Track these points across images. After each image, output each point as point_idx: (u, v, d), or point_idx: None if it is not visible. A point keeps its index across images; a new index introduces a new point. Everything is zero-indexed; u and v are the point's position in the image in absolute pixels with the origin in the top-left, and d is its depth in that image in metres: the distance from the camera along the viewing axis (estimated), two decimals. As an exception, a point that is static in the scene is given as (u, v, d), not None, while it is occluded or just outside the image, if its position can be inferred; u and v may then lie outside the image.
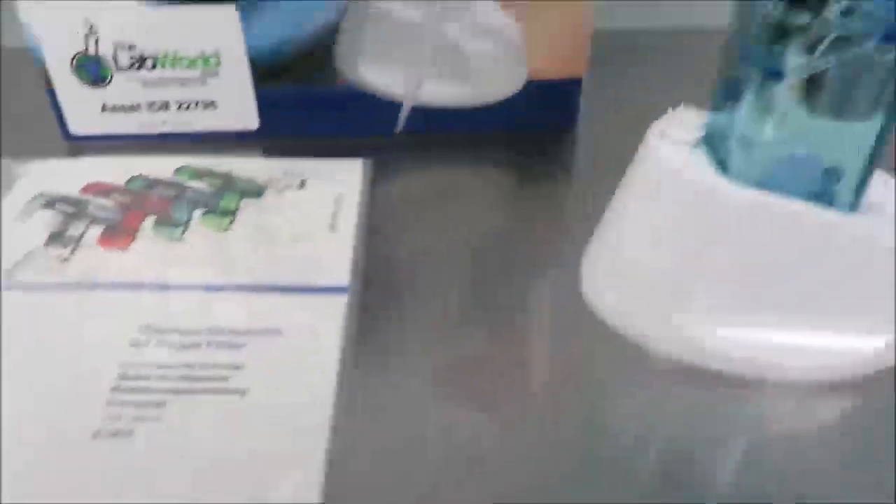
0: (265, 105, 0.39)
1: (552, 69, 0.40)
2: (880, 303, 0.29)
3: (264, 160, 0.38)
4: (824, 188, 0.29)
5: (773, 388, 0.29)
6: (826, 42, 0.27)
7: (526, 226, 0.36)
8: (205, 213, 0.35)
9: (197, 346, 0.28)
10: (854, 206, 0.29)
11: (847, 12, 0.25)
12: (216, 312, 0.30)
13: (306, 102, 0.39)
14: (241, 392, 0.27)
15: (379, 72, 0.39)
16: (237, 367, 0.28)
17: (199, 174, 0.37)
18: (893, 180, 0.32)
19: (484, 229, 0.36)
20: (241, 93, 0.39)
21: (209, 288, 0.31)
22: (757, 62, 0.27)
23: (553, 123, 0.42)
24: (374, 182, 0.38)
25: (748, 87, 0.27)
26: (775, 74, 0.27)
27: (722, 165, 0.29)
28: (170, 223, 0.34)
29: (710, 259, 0.29)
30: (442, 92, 0.40)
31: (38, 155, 0.38)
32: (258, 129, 0.40)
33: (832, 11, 0.25)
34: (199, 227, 0.34)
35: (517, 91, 0.40)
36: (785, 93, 0.28)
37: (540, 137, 0.42)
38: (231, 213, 0.35)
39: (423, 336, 0.30)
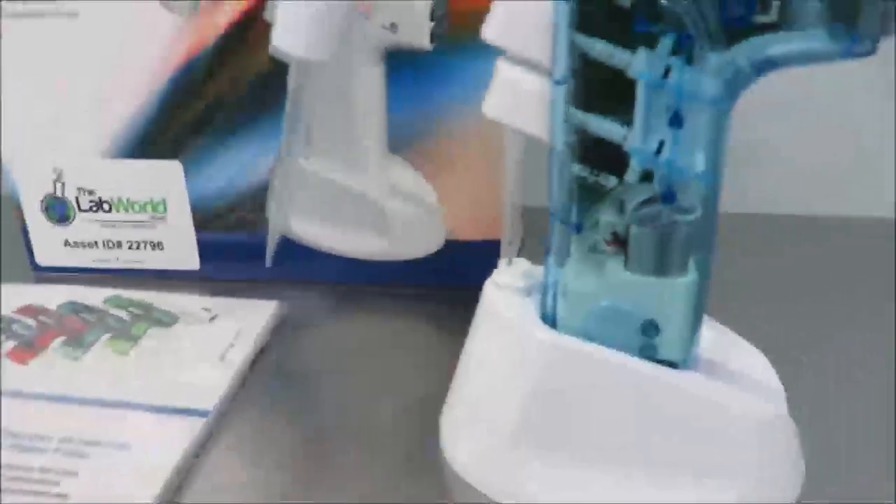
0: (206, 248, 0.44)
1: (471, 230, 0.42)
2: (707, 460, 0.28)
3: (188, 296, 0.41)
4: (646, 341, 0.29)
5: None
6: (631, 203, 0.28)
7: (430, 377, 0.37)
8: (111, 338, 0.38)
9: (43, 451, 0.30)
10: (680, 359, 0.29)
11: (646, 178, 0.27)
12: (74, 423, 0.32)
13: (242, 247, 0.43)
14: (63, 497, 0.29)
15: (305, 224, 0.43)
16: (71, 474, 0.30)
17: (123, 304, 0.40)
18: (733, 335, 0.32)
19: (382, 380, 0.37)
20: (184, 236, 0.43)
21: (81, 401, 0.33)
22: (564, 218, 0.28)
23: (473, 282, 0.43)
24: (292, 325, 0.41)
25: (562, 239, 0.29)
26: (577, 228, 0.28)
27: (550, 316, 0.30)
28: (76, 344, 0.37)
29: (541, 412, 0.29)
30: (364, 245, 0.43)
31: (8, 279, 0.43)
32: (199, 269, 0.44)
33: (632, 175, 0.27)
34: (102, 349, 0.37)
35: (436, 249, 0.43)
36: (602, 247, 0.29)
37: (461, 293, 0.44)
38: (135, 340, 0.38)
39: (268, 473, 0.31)
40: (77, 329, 0.38)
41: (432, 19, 0.39)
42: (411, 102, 0.40)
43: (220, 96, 0.40)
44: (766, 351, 0.32)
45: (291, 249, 0.42)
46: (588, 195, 0.28)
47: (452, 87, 0.40)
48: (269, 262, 0.40)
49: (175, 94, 0.41)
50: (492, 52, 0.28)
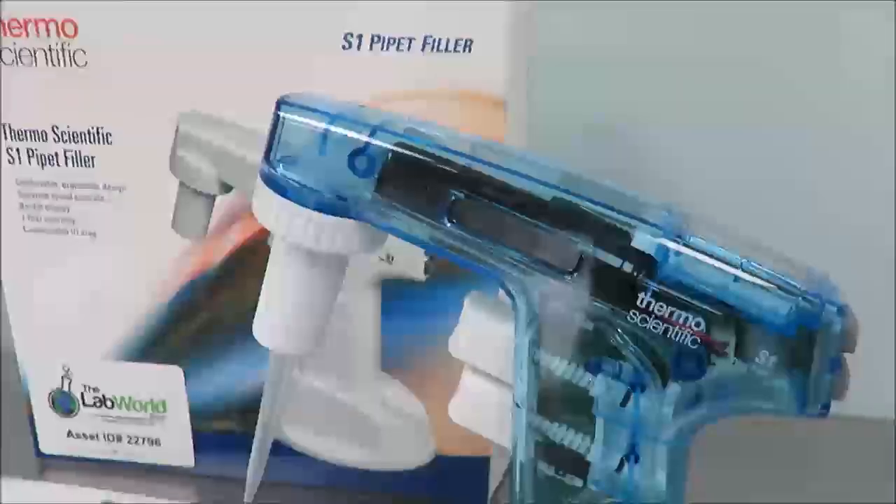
0: (201, 446, 0.45)
1: (459, 446, 0.43)
2: None
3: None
4: None
5: None
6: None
7: None
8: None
9: None
10: None
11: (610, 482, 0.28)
12: None
13: (238, 447, 0.44)
14: None
15: (298, 432, 0.44)
16: None
17: (116, 512, 0.41)
18: None
19: None
20: (181, 434, 0.45)
21: None
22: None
23: (463, 497, 0.44)
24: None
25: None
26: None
27: None
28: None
29: None
30: (354, 455, 0.44)
31: (9, 464, 0.45)
32: (195, 466, 0.45)
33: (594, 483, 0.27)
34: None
35: (425, 462, 0.43)
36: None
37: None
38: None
39: None
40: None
41: (427, 253, 0.40)
42: (404, 327, 0.42)
43: (220, 313, 0.42)
44: None
45: (283, 452, 0.43)
46: (555, 497, 0.29)
47: (444, 317, 0.41)
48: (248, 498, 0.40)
49: (180, 306, 0.43)
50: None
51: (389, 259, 0.41)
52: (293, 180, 0.27)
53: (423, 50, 0.37)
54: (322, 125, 0.26)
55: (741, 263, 0.24)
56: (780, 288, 0.24)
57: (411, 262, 0.41)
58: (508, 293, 0.27)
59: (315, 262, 0.28)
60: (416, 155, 0.26)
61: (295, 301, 0.28)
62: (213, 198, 0.41)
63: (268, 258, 0.39)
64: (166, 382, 0.44)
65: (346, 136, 0.26)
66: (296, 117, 0.27)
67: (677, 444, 0.27)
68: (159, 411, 0.45)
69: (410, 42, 0.38)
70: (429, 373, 0.42)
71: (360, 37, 0.38)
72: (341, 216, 0.27)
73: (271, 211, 0.27)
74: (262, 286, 0.30)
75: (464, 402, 0.28)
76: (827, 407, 0.24)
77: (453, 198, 0.25)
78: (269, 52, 0.38)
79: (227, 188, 0.42)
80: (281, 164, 0.27)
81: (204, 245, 0.41)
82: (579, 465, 0.28)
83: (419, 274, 0.40)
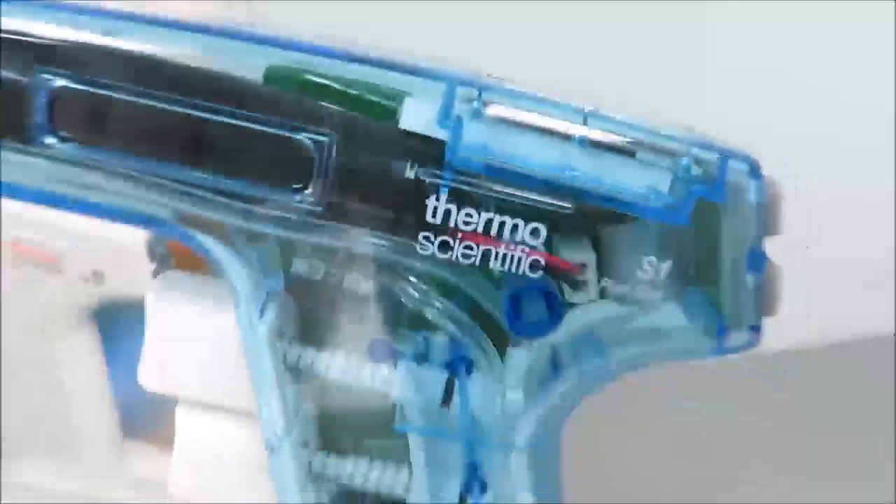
0: None
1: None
2: None
3: None
4: None
5: None
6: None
7: None
8: None
9: None
10: None
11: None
12: None
13: None
14: None
15: None
16: None
17: None
18: None
19: None
20: None
21: None
22: None
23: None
24: None
25: None
26: None
27: None
28: None
29: None
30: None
31: None
32: None
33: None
34: None
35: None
36: None
37: None
38: None
39: None
40: None
41: (152, 255, 0.29)
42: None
43: None
44: None
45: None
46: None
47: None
48: None
49: None
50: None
51: (98, 277, 0.28)
52: None
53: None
54: None
55: (584, 120, 0.15)
56: (653, 149, 0.15)
57: (131, 274, 0.29)
58: (214, 262, 0.16)
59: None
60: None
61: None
62: None
63: None
64: None
65: None
66: None
67: (541, 444, 0.17)
68: None
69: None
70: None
71: None
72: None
73: None
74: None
75: (184, 461, 0.17)
76: (757, 329, 0.15)
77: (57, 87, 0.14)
78: None
79: None
80: None
81: None
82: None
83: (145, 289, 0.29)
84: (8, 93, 0.14)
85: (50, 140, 0.14)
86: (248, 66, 0.14)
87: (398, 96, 0.14)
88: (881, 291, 0.41)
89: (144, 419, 0.31)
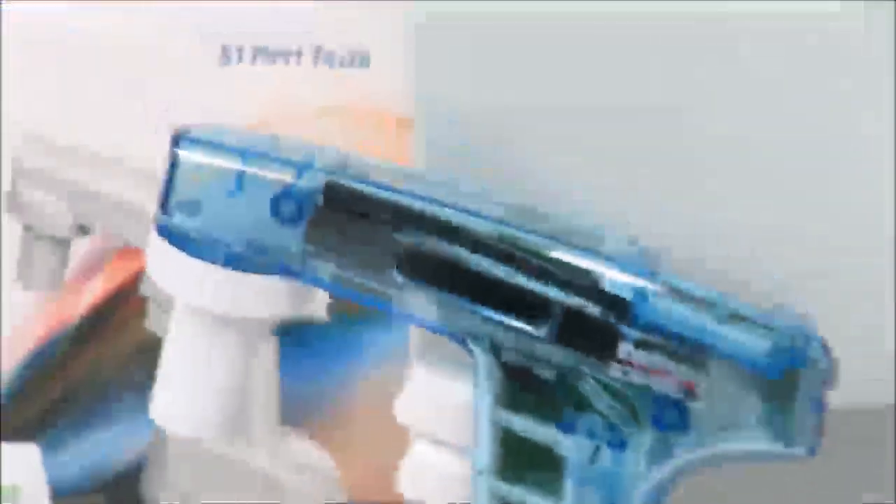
0: (67, 534, 0.38)
1: (375, 493, 0.39)
2: None
3: None
4: None
5: None
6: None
7: None
8: None
9: None
10: None
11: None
12: None
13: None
14: None
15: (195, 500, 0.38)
16: None
17: None
18: None
19: None
20: (40, 523, 0.38)
21: None
22: None
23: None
24: None
25: None
26: None
27: None
28: None
29: None
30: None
31: None
32: (59, 556, 0.38)
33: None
34: None
35: (337, 518, 0.39)
36: None
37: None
38: None
39: None
40: None
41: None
42: (305, 374, 0.37)
43: (82, 376, 0.36)
44: None
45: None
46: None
47: (349, 360, 0.37)
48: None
49: (32, 372, 0.36)
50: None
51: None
52: (196, 231, 0.23)
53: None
54: (235, 165, 0.22)
55: (718, 301, 0.22)
56: (764, 326, 0.22)
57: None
58: (466, 348, 0.23)
59: (228, 329, 0.23)
60: (354, 196, 0.22)
61: (207, 378, 0.23)
62: (68, 242, 0.35)
63: (140, 308, 0.33)
64: (19, 463, 0.37)
65: (266, 177, 0.22)
66: (199, 156, 0.22)
67: (655, 499, 0.25)
68: (14, 499, 0.37)
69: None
70: (335, 423, 0.38)
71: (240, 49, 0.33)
72: (259, 272, 0.23)
73: (170, 270, 0.22)
74: (161, 358, 0.24)
75: (416, 474, 0.25)
76: (813, 451, 0.23)
77: (402, 245, 0.22)
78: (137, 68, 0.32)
79: (84, 230, 0.35)
80: (180, 213, 0.22)
81: (58, 299, 0.35)
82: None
83: (322, 315, 0.36)
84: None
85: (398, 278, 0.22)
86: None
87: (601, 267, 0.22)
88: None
89: (300, 412, 0.39)
